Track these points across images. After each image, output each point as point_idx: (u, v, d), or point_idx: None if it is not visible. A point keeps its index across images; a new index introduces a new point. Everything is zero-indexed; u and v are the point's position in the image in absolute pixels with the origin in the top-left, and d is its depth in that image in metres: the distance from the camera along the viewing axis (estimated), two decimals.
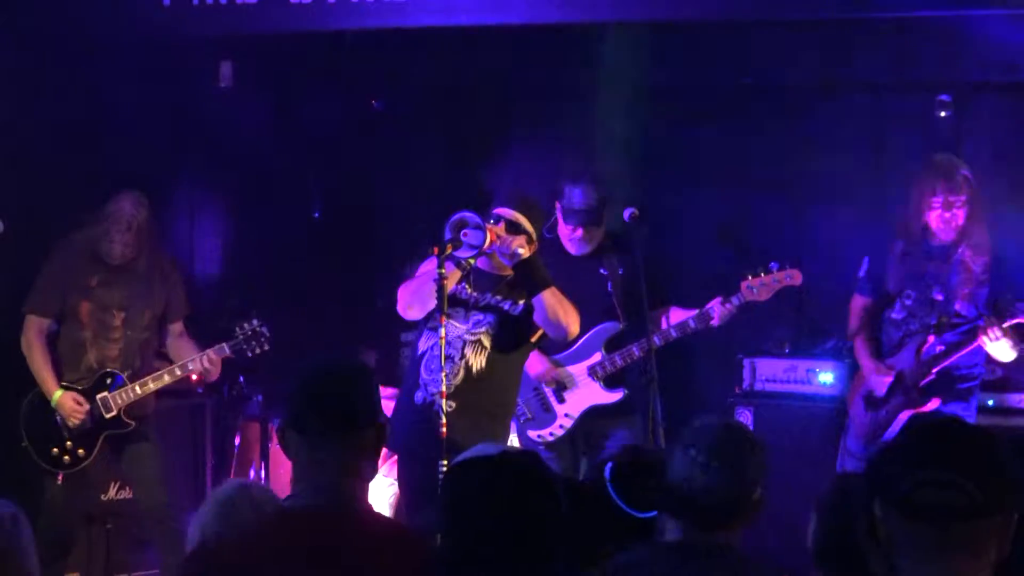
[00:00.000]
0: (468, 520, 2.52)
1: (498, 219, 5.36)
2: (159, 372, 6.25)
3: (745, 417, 6.71)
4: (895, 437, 2.29)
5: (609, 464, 3.39)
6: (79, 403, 6.20)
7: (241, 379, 7.34)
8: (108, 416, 6.21)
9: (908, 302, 6.07)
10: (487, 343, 5.37)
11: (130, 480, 6.42)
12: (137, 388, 6.21)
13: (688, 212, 7.67)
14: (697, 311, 6.11)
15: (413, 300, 5.41)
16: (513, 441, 6.16)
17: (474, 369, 5.36)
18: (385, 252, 7.47)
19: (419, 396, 5.37)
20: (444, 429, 5.08)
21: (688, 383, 7.24)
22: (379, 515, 3.01)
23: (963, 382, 6.05)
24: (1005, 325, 5.79)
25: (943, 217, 5.91)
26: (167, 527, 6.19)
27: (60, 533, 6.22)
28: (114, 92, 7.51)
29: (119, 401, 6.21)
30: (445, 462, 5.01)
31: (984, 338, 5.81)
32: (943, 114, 7.00)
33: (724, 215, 7.68)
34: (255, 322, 6.23)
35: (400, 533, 2.92)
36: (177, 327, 6.44)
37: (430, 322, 5.42)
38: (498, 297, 5.44)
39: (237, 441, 7.29)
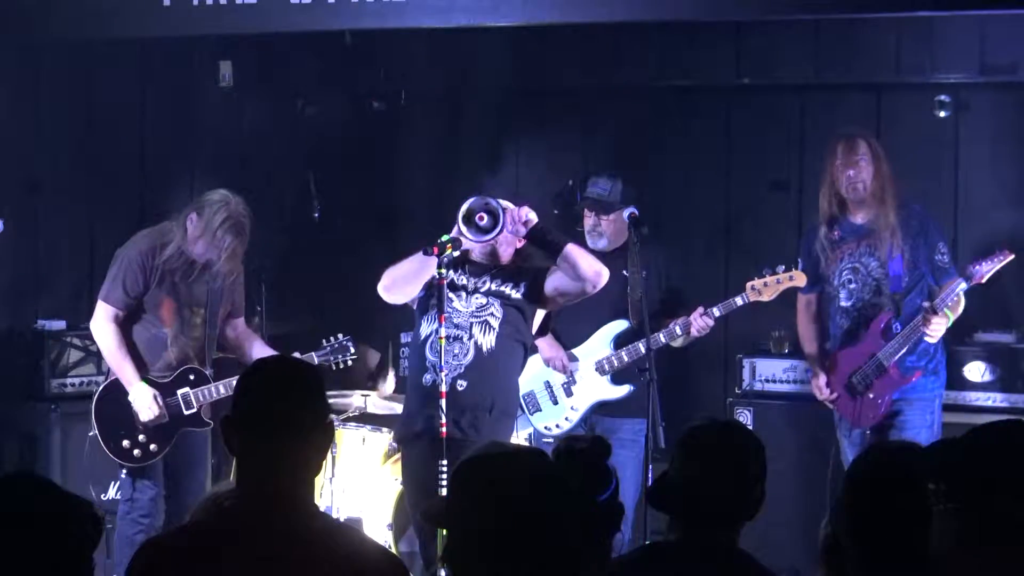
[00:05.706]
0: (475, 518, 2.51)
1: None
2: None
3: (744, 417, 6.72)
4: (853, 460, 2.29)
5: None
6: (156, 399, 6.03)
7: None
8: (188, 412, 6.08)
9: (853, 286, 6.13)
10: (494, 324, 5.38)
11: (180, 479, 6.21)
12: (220, 387, 6.08)
13: (688, 213, 7.67)
14: (681, 319, 6.12)
15: (394, 284, 5.46)
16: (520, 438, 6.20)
17: (484, 348, 5.36)
18: (385, 253, 7.45)
19: (427, 378, 5.35)
20: (444, 429, 5.10)
21: (688, 383, 7.24)
22: (327, 519, 2.91)
23: (930, 358, 6.08)
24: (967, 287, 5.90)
25: (850, 179, 6.02)
26: None
27: None
28: (114, 92, 7.51)
29: (200, 398, 6.09)
30: (445, 462, 5.02)
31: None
32: (943, 114, 7.00)
33: (724, 216, 7.67)
34: (342, 336, 6.22)
35: (343, 538, 2.82)
36: (240, 322, 6.32)
37: (431, 306, 5.41)
38: (497, 281, 5.45)
39: None
